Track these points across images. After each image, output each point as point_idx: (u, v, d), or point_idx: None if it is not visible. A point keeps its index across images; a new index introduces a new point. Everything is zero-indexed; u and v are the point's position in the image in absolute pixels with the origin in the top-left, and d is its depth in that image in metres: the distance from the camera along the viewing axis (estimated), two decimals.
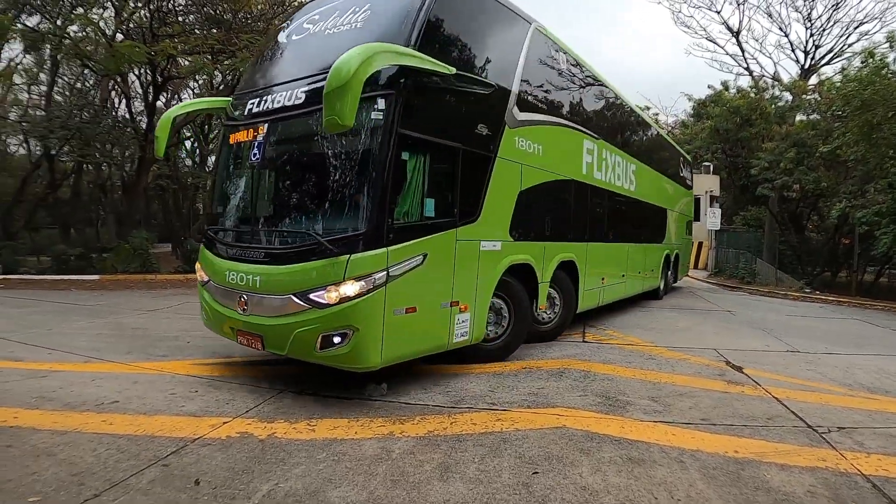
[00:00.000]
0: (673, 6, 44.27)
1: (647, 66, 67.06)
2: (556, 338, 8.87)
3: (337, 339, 5.02)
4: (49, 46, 23.01)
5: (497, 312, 7.29)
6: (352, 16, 6.07)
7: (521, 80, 7.64)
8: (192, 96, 31.69)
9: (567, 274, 9.11)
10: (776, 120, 25.49)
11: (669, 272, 16.46)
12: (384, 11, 5.94)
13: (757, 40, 69.67)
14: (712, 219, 25.70)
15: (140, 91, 26.63)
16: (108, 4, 21.72)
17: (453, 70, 5.82)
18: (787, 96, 26.88)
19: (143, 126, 23.27)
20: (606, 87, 11.20)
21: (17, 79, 27.58)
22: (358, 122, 4.74)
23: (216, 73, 22.24)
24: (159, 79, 22.28)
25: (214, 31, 19.26)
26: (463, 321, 6.30)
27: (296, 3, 21.14)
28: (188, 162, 33.75)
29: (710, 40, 40.59)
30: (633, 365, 7.36)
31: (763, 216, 27.85)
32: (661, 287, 15.62)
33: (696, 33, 52.52)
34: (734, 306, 15.15)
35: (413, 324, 5.54)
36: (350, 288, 4.94)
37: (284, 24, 7.38)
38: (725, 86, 29.42)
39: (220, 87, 25.39)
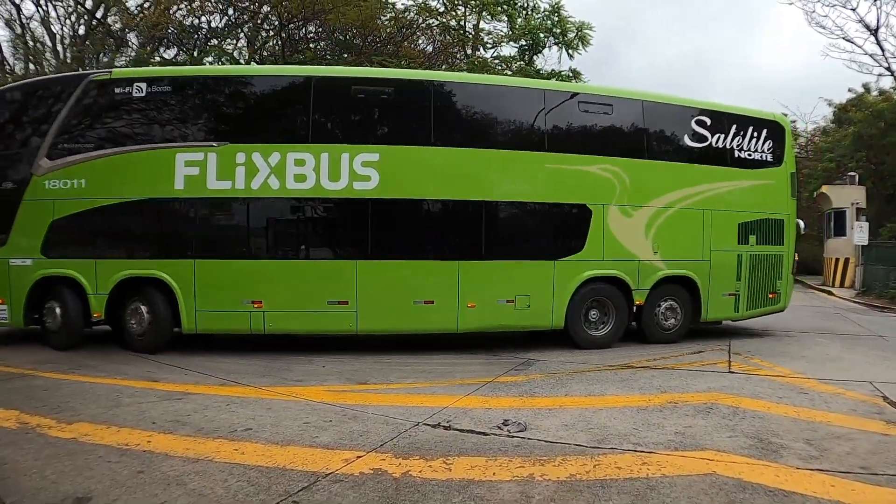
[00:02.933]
0: (806, 6, 41.46)
1: (783, 72, 63.64)
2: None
3: None
4: None
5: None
6: None
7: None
8: None
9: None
10: None
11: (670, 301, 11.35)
12: None
13: None
14: (859, 233, 23.45)
15: None
16: (241, 35, 22.88)
17: None
18: None
19: None
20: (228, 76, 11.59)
21: None
22: None
23: None
24: None
25: (346, 55, 19.75)
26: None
27: (423, 26, 21.41)
28: None
29: (847, 40, 37.59)
30: (785, 400, 6.65)
31: None
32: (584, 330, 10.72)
33: (831, 33, 48.74)
34: (887, 331, 13.53)
35: None
36: None
37: None
38: (867, 88, 27.45)
39: None
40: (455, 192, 10.38)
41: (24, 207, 9.73)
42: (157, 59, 23.61)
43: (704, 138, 11.43)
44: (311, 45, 22.42)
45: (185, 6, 22.86)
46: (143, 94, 10.24)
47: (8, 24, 30.48)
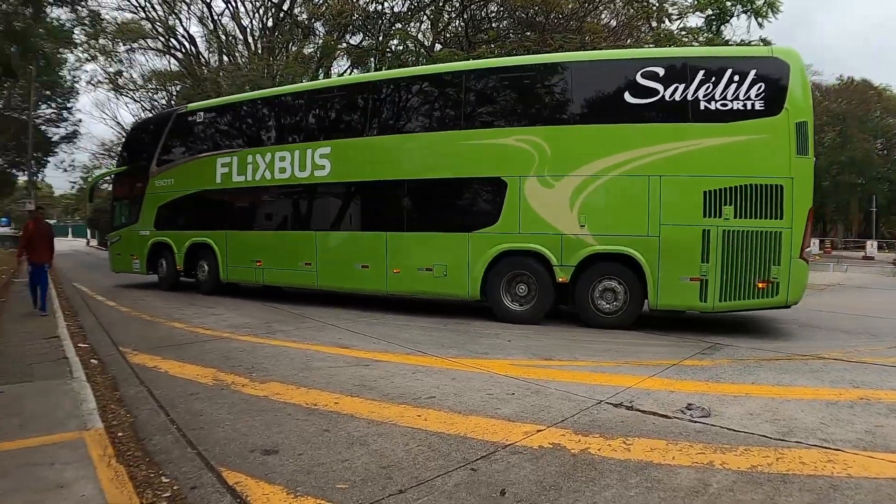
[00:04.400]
0: None
1: None
2: None
3: None
4: (373, 61, 25.55)
5: None
6: None
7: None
8: None
9: None
10: None
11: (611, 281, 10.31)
12: None
13: None
14: None
15: None
16: (424, 17, 23.38)
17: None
18: None
19: None
20: (253, 101, 15.44)
21: None
22: None
23: None
24: None
25: (528, 33, 19.65)
26: None
27: (606, 1, 20.83)
28: None
29: None
30: None
31: None
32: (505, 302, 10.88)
33: None
34: None
35: None
36: None
37: None
38: None
39: None
40: (382, 174, 12.04)
41: (146, 198, 16.24)
42: (343, 45, 24.77)
43: (653, 92, 10.03)
44: (493, 23, 22.59)
45: None
46: (202, 120, 15.48)
47: (201, 21, 33.35)
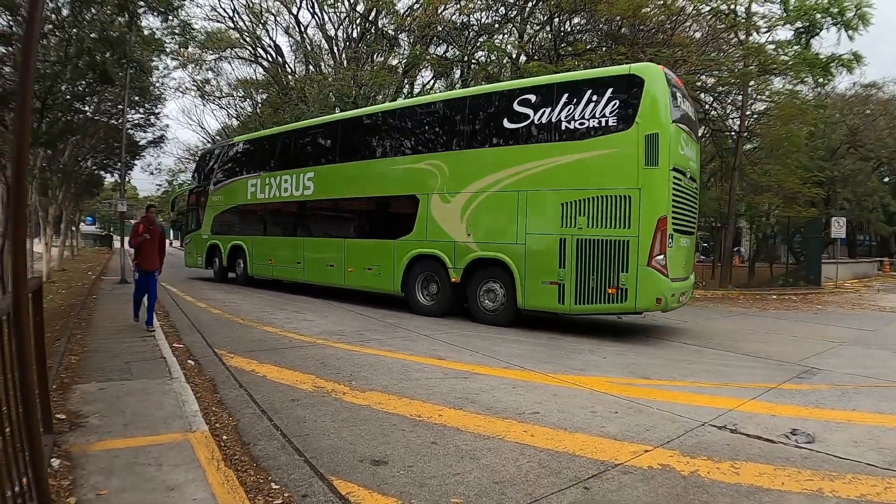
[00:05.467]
0: None
1: None
2: None
3: None
4: (458, 71, 25.85)
5: None
6: None
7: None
8: None
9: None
10: None
11: (491, 283, 12.03)
12: None
13: None
14: None
15: None
16: (512, 29, 23.52)
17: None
18: None
19: None
20: (269, 135, 19.81)
21: None
22: None
23: None
24: None
25: (620, 47, 19.59)
26: None
27: (693, 13, 20.59)
28: None
29: None
30: None
31: None
32: (420, 297, 13.35)
33: None
34: None
35: None
36: None
37: None
38: None
39: None
40: (340, 193, 15.60)
41: (206, 210, 20.93)
42: (427, 56, 25.16)
43: (525, 117, 11.41)
44: (577, 36, 22.59)
45: (455, 6, 24.15)
46: (239, 150, 20.43)
47: (287, 31, 34.30)
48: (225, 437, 4.96)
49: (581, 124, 10.71)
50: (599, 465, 4.42)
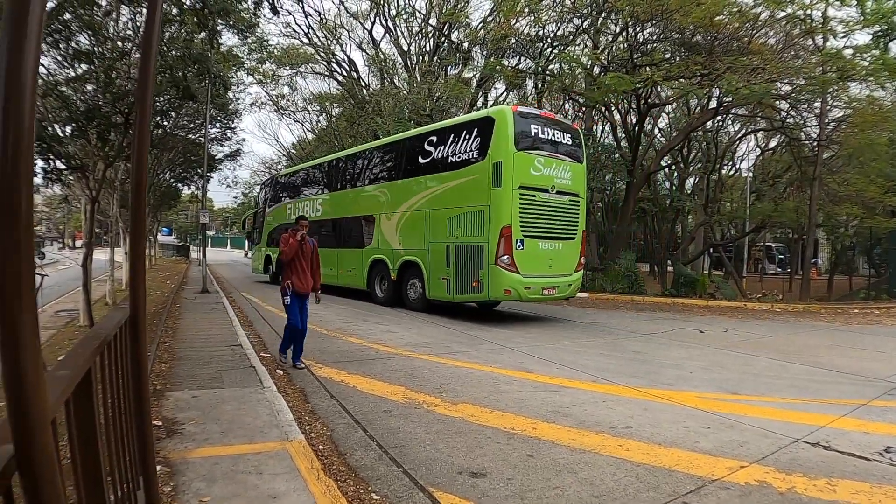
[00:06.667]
0: None
1: None
2: None
3: None
4: (531, 84, 26.04)
5: None
6: None
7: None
8: (668, 121, 32.40)
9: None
10: None
11: (415, 280, 16.15)
12: None
13: None
14: None
15: (619, 119, 28.05)
16: (587, 41, 23.59)
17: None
18: None
19: (629, 152, 24.54)
20: (301, 169, 25.41)
21: None
22: None
23: (692, 97, 22.50)
24: (643, 106, 23.17)
25: (697, 56, 19.46)
26: None
27: (768, 19, 20.27)
28: (666, 184, 34.46)
29: None
30: None
31: None
32: (379, 291, 17.76)
33: None
34: None
35: None
36: None
37: None
38: None
39: (697, 111, 25.55)
40: (335, 214, 20.40)
41: (264, 227, 26.11)
42: (500, 68, 25.44)
43: (430, 154, 15.46)
44: (649, 45, 22.52)
45: (529, 18, 24.34)
46: (282, 181, 25.77)
47: (360, 46, 35.03)
48: (321, 447, 5.09)
49: (459, 157, 14.31)
50: (697, 481, 4.47)
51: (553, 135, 14.19)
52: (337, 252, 19.74)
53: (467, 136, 14.10)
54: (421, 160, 15.75)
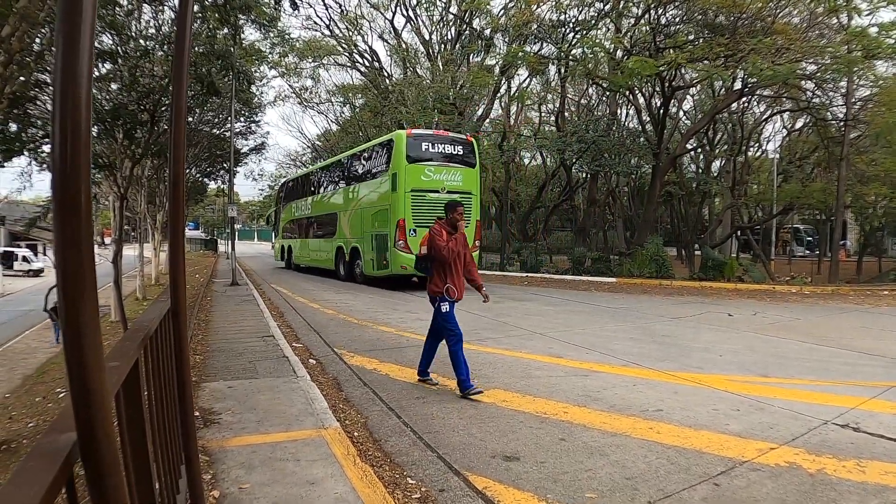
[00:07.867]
0: None
1: None
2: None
3: None
4: (554, 70, 25.98)
5: None
6: None
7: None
8: (693, 104, 32.11)
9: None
10: None
11: (358, 260, 21.14)
12: None
13: None
14: None
15: (643, 102, 27.84)
16: (609, 24, 23.48)
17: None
18: None
19: (654, 136, 24.37)
20: (308, 172, 31.35)
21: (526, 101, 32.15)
22: None
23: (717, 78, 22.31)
24: (668, 89, 22.96)
25: (720, 38, 19.29)
26: None
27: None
28: (692, 167, 34.19)
29: None
30: None
31: None
32: (341, 271, 22.71)
33: None
34: None
35: None
36: None
37: None
38: None
39: (721, 93, 25.33)
40: (317, 212, 25.69)
41: (280, 222, 32.67)
42: (521, 54, 25.39)
43: (364, 166, 20.79)
44: (672, 27, 22.36)
45: (551, 3, 24.25)
46: (292, 184, 31.92)
47: (381, 36, 35.16)
48: (356, 434, 5.20)
49: (377, 169, 19.44)
50: (727, 462, 4.52)
51: (443, 148, 18.57)
52: (319, 241, 25.57)
53: (379, 154, 19.48)
54: (359, 171, 21.24)
